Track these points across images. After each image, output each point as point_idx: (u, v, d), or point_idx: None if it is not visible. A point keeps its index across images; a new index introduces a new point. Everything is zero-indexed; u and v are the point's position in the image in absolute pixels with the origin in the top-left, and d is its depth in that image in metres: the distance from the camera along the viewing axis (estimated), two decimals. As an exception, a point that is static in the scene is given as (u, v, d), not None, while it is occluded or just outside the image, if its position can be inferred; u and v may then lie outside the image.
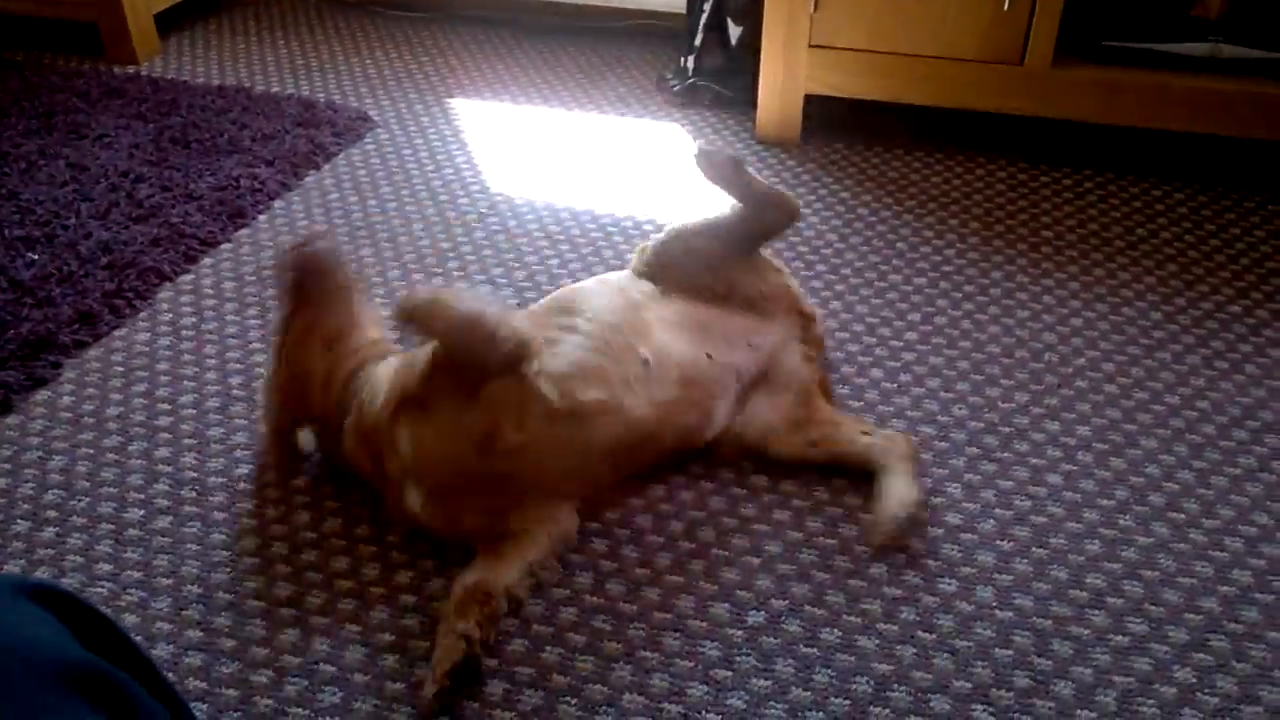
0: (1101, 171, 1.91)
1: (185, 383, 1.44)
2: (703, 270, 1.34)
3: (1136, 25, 1.83)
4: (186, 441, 1.34)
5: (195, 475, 1.29)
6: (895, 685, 1.04)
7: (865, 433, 1.27)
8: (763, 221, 1.38)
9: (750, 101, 2.07)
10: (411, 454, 1.12)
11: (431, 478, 1.12)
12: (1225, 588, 1.14)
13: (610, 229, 1.75)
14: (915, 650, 1.07)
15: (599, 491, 1.22)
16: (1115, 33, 1.83)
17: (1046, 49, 1.80)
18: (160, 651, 1.08)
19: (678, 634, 1.09)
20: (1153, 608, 1.11)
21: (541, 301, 1.33)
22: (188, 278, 1.65)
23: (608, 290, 1.29)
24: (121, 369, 1.46)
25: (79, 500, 1.26)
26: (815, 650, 1.07)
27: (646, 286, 1.33)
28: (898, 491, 1.18)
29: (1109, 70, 1.82)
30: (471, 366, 1.09)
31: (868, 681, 1.04)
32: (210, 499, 1.26)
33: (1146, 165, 1.93)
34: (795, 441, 1.27)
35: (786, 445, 1.27)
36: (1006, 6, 1.78)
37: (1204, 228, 1.76)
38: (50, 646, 0.52)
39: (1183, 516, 1.22)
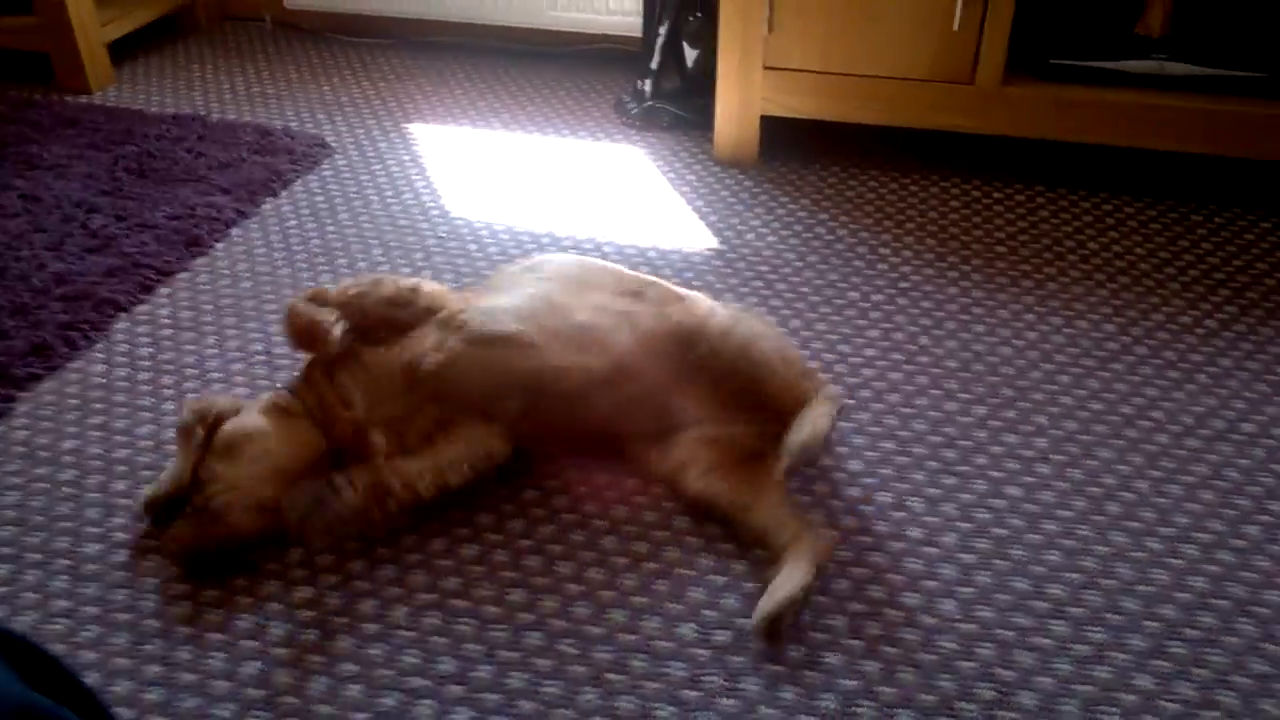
0: (1053, 187, 1.95)
1: (142, 414, 1.42)
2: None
3: (1083, 44, 1.87)
4: (144, 474, 1.32)
5: (153, 508, 1.27)
6: (861, 700, 1.04)
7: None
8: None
9: (708, 123, 2.09)
10: (359, 398, 1.23)
11: (378, 411, 1.23)
12: (1182, 594, 1.15)
13: (570, 250, 1.76)
14: (880, 665, 1.08)
15: (527, 424, 1.25)
16: (1063, 51, 1.87)
17: (996, 68, 1.84)
18: (119, 688, 1.06)
19: (644, 655, 1.09)
20: (1112, 616, 1.13)
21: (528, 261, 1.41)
22: (144, 308, 1.63)
23: (581, 267, 1.37)
24: (77, 401, 1.44)
25: (33, 536, 1.23)
26: (782, 668, 1.08)
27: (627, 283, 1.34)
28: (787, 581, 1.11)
29: (1057, 88, 1.85)
30: (392, 326, 1.25)
31: (834, 697, 1.05)
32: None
33: (1097, 180, 1.97)
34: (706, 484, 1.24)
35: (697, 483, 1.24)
36: (956, 27, 1.82)
37: (1154, 240, 1.79)
38: None
39: (1139, 525, 1.24)
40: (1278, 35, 1.88)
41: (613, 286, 1.32)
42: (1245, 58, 1.82)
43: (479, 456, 1.23)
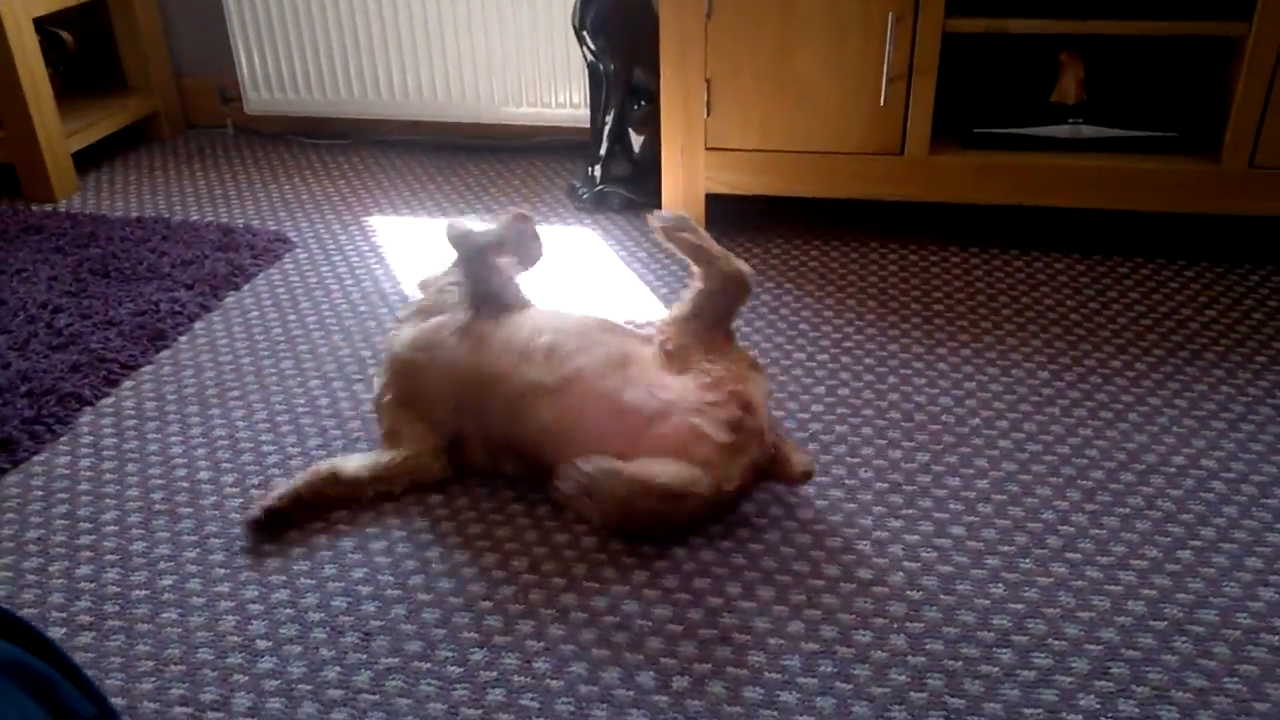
0: (986, 247, 2.04)
1: (107, 500, 1.44)
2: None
3: (1003, 112, 1.99)
4: (109, 558, 1.34)
5: (118, 590, 1.29)
6: (817, 735, 1.07)
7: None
8: (714, 295, 1.41)
9: (656, 204, 2.18)
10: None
11: None
12: (1121, 618, 1.20)
13: (526, 328, 1.82)
14: (835, 700, 1.11)
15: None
16: (985, 120, 1.98)
17: (923, 138, 1.94)
18: (83, 765, 1.07)
19: (604, 705, 1.11)
20: (1056, 642, 1.17)
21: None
22: (108, 400, 1.67)
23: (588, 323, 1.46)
24: (41, 492, 1.46)
25: (-2, 623, 1.24)
26: (739, 709, 1.10)
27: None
28: None
29: (982, 154, 1.96)
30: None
31: (790, 734, 1.07)
32: (134, 611, 1.26)
33: (1026, 238, 2.06)
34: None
35: None
36: (883, 102, 1.93)
37: (1083, 292, 1.88)
38: None
39: (1079, 556, 1.29)
40: (1183, 97, 2.01)
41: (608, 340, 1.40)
42: (1154, 119, 1.94)
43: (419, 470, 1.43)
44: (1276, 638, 1.16)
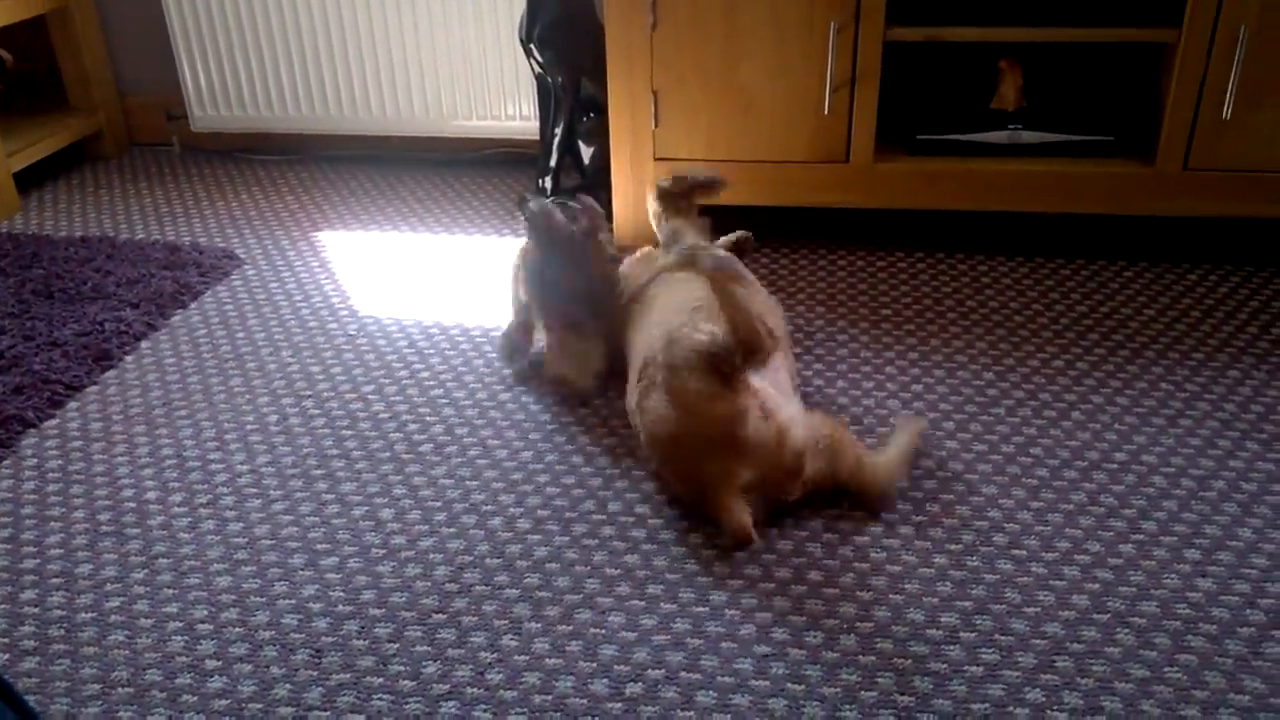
0: (931, 252, 2.08)
1: (52, 524, 1.42)
2: None
3: (945, 119, 2.02)
4: (53, 581, 1.32)
5: (63, 614, 1.27)
6: (769, 737, 1.08)
7: None
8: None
9: (607, 214, 2.19)
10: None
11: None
12: (1066, 612, 1.22)
13: (479, 339, 1.82)
14: (787, 702, 1.12)
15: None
16: (927, 127, 2.01)
17: (867, 146, 1.97)
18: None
19: (558, 714, 1.11)
20: (1002, 638, 1.19)
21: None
22: (53, 422, 1.64)
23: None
24: (-17, 517, 1.44)
25: (-61, 651, 1.22)
26: (692, 713, 1.11)
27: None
28: None
29: (925, 161, 1.99)
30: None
31: (743, 737, 1.08)
32: (79, 635, 1.24)
33: (970, 242, 2.10)
34: None
35: None
36: (827, 111, 1.95)
37: (1027, 294, 1.91)
38: None
39: (1024, 553, 1.31)
40: (1118, 101, 2.06)
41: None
42: (1091, 123, 1.98)
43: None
44: (1215, 627, 1.19)
